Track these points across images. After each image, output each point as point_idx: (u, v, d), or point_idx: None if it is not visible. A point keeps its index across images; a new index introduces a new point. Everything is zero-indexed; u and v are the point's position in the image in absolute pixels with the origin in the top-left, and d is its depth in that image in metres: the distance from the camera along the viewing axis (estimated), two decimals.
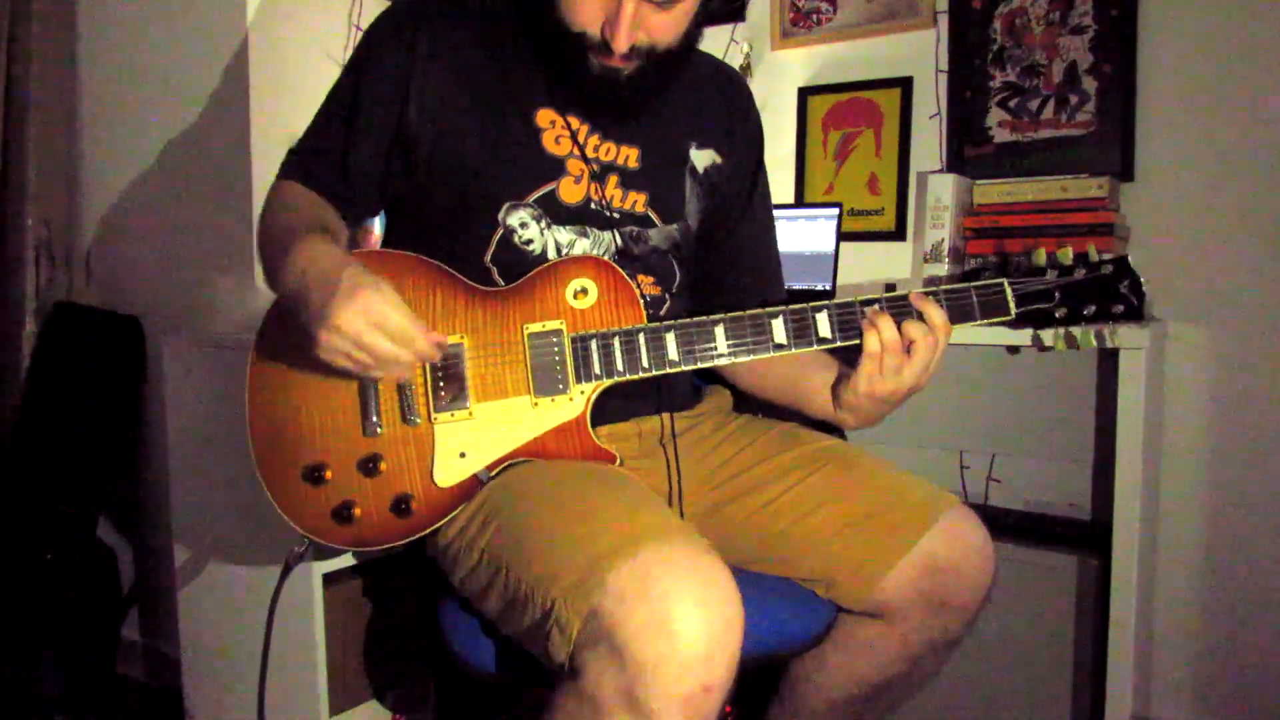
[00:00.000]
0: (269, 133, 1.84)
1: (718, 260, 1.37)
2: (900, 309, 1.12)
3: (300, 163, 1.23)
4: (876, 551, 1.14)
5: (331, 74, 1.76)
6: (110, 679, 2.07)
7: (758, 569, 1.18)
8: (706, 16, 1.19)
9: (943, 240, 1.94)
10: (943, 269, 1.94)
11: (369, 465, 1.10)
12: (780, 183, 2.31)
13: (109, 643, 2.06)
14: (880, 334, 1.10)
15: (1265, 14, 1.77)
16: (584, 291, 1.14)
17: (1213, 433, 1.85)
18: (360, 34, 1.90)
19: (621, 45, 1.09)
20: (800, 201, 2.28)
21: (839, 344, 1.14)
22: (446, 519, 1.11)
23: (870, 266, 2.18)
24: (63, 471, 1.96)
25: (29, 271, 2.05)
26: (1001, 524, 1.88)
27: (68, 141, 2.10)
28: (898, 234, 2.16)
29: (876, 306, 1.12)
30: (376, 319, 0.97)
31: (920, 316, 1.11)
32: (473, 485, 1.10)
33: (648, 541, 0.91)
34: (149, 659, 2.14)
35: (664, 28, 1.11)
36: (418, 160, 1.19)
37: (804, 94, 2.28)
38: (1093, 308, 1.12)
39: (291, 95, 1.85)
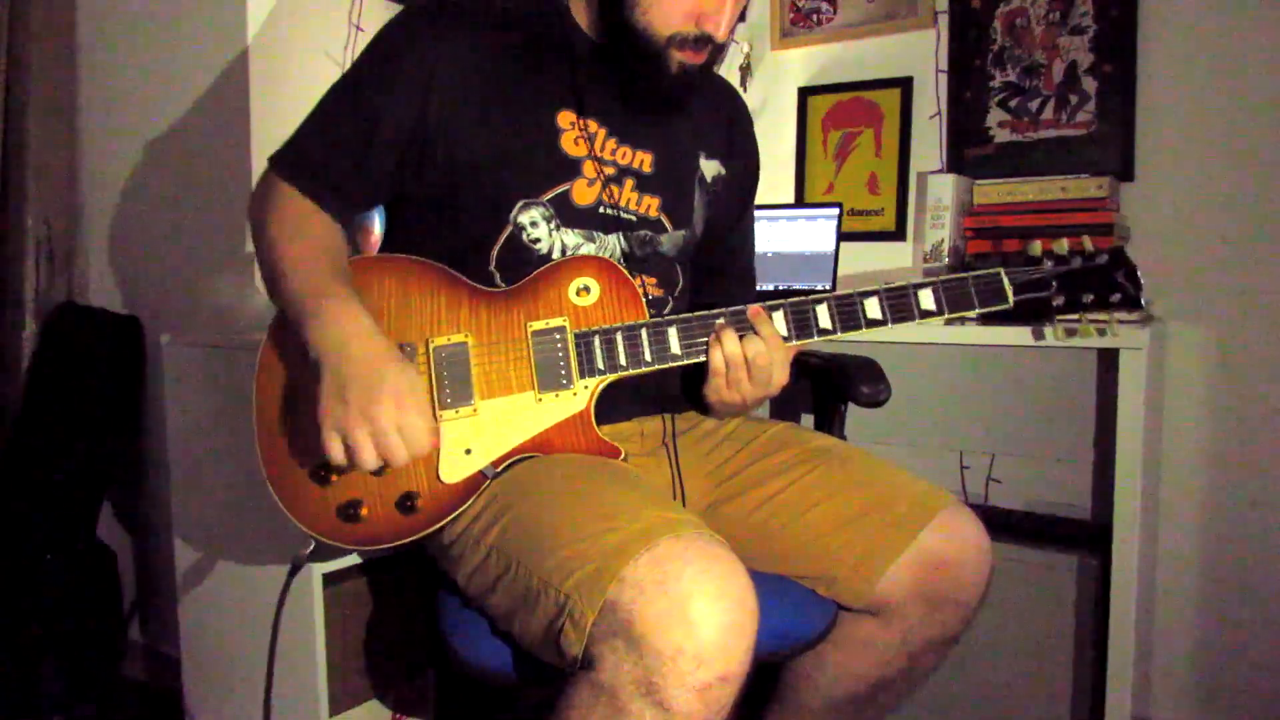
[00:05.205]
0: (269, 133, 1.83)
1: (710, 265, 1.41)
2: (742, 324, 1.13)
3: (305, 166, 1.19)
4: (875, 547, 1.15)
5: (332, 75, 1.76)
6: (111, 680, 2.07)
7: (757, 568, 1.17)
8: None
9: (943, 240, 1.94)
10: (943, 269, 1.94)
11: None
12: (780, 183, 2.31)
13: (111, 645, 2.06)
14: (724, 349, 1.12)
15: (1265, 14, 1.77)
16: (586, 289, 1.15)
17: (1213, 433, 1.85)
18: (363, 33, 1.91)
19: (725, 33, 1.14)
20: (800, 201, 2.28)
21: (838, 336, 1.16)
22: (452, 516, 1.11)
23: (870, 267, 2.18)
24: (63, 472, 1.96)
25: (29, 271, 2.05)
26: (1001, 524, 1.87)
27: (68, 141, 2.10)
28: (898, 234, 2.17)
29: (722, 321, 1.13)
30: (409, 433, 1.02)
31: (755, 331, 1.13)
32: (478, 481, 1.11)
33: (663, 534, 0.92)
34: (150, 660, 2.14)
35: (734, 17, 1.16)
36: (433, 157, 1.18)
37: (804, 94, 2.28)
38: (1090, 296, 1.13)
39: (291, 96, 1.85)
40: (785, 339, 1.14)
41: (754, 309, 1.13)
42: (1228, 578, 1.85)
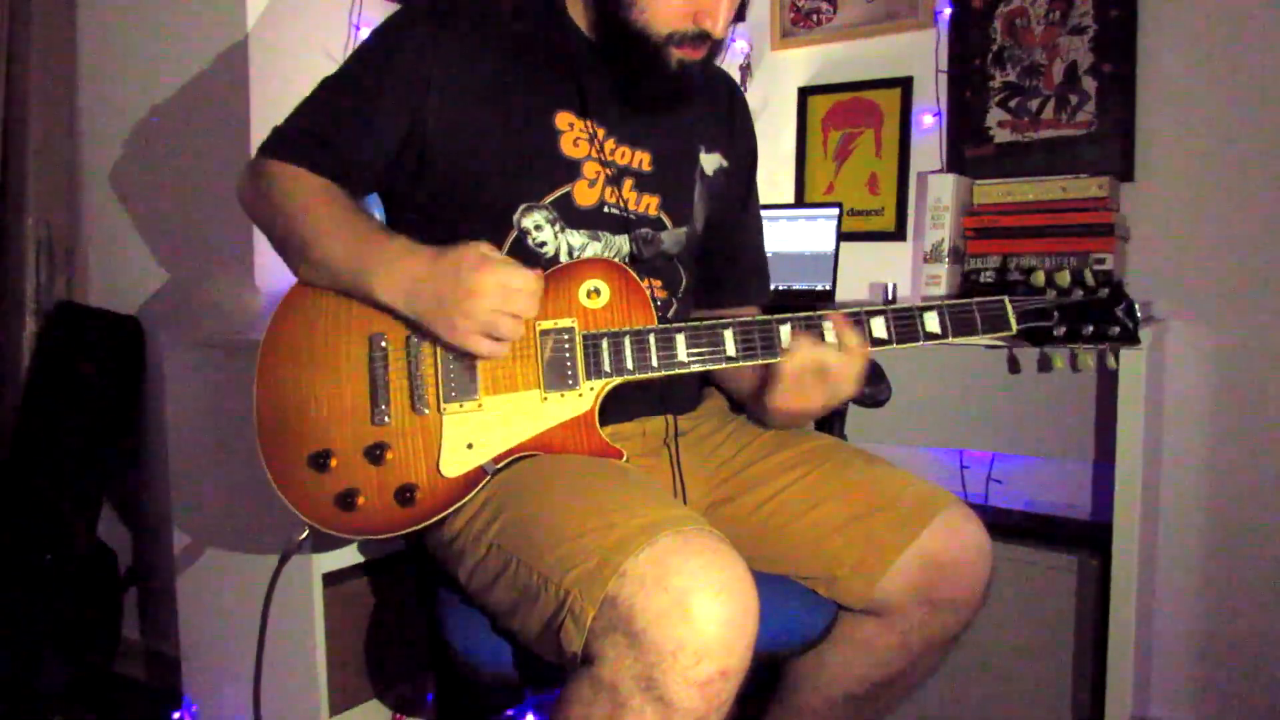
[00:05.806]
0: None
1: (718, 260, 1.40)
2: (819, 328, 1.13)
3: (303, 147, 1.19)
4: (876, 548, 1.15)
5: None
6: (110, 679, 2.07)
7: (758, 568, 1.16)
8: None
9: (943, 240, 1.94)
10: (942, 269, 1.94)
11: (375, 453, 1.10)
12: (780, 183, 2.31)
13: (109, 643, 2.06)
14: (795, 356, 1.12)
15: (1265, 14, 1.77)
16: (596, 292, 1.15)
17: (1213, 433, 1.85)
18: (363, 30, 1.91)
19: (724, 30, 1.14)
20: (800, 201, 2.28)
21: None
22: (450, 510, 1.11)
23: (870, 267, 2.18)
24: (63, 472, 1.96)
25: (29, 271, 2.05)
26: (1001, 524, 1.88)
27: (68, 141, 2.10)
28: (898, 234, 2.17)
29: (792, 327, 1.13)
30: (517, 281, 1.06)
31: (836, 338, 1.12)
32: (478, 476, 1.11)
33: (664, 530, 0.92)
34: (149, 659, 2.14)
35: (730, 13, 1.16)
36: (433, 160, 1.18)
37: (804, 94, 2.28)
38: (1090, 328, 1.15)
39: (291, 96, 1.83)
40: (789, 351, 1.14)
41: (836, 317, 1.13)
42: (1228, 578, 1.85)
